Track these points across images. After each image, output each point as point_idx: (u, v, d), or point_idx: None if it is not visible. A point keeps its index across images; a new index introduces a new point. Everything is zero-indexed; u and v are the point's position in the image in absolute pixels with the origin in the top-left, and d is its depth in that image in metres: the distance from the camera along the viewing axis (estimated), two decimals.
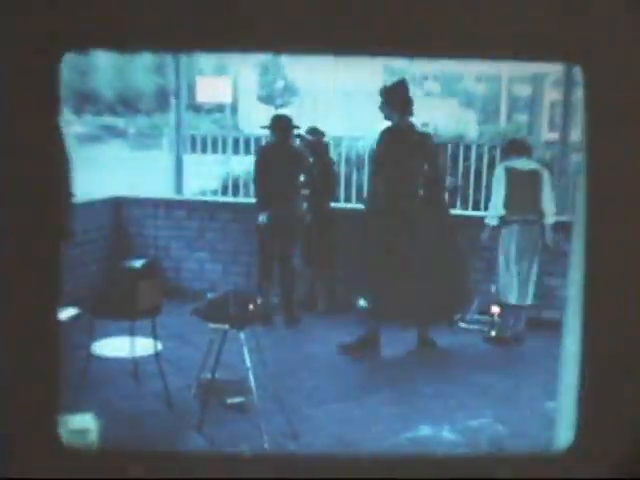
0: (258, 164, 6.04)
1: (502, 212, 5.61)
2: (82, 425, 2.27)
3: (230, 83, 11.34)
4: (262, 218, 5.87)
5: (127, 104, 23.39)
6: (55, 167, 1.22)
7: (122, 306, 4.09)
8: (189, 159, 7.65)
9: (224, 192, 8.33)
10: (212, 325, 3.99)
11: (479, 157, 7.92)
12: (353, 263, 5.68)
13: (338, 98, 18.40)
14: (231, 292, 4.07)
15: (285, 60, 23.01)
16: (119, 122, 22.67)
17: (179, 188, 7.36)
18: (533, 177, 5.61)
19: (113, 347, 4.70)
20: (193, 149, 8.19)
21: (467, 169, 7.94)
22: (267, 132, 6.17)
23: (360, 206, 6.26)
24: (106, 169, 12.07)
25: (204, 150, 8.39)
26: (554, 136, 8.47)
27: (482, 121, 21.08)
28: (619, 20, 1.17)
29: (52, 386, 1.23)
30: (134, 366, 4.55)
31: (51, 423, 1.24)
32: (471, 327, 6.06)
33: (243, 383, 4.04)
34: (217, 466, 1.34)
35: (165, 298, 4.39)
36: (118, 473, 1.26)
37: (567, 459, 1.23)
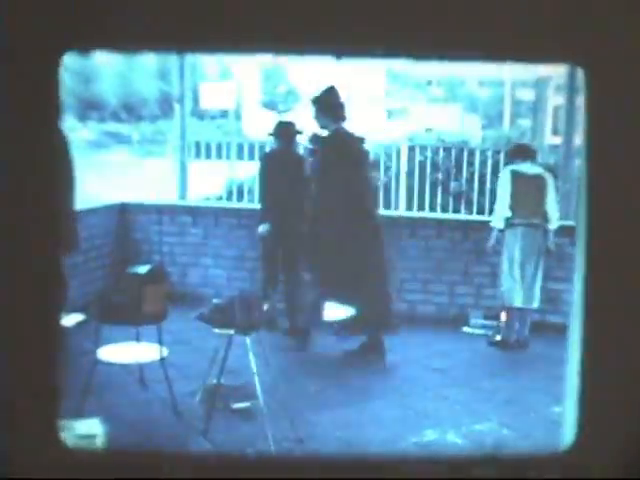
0: (262, 171, 6.03)
1: (508, 214, 5.62)
2: (88, 430, 2.27)
3: (234, 89, 11.34)
4: (262, 229, 5.85)
5: (131, 110, 23.45)
6: (57, 168, 1.22)
7: (128, 312, 4.10)
8: (193, 165, 7.66)
9: (229, 198, 8.32)
10: (218, 330, 3.99)
11: (483, 162, 7.92)
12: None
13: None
14: (236, 297, 4.06)
15: (288, 65, 23.04)
16: (123, 129, 22.71)
17: (184, 194, 7.37)
18: (538, 181, 5.63)
19: (119, 353, 4.70)
20: (197, 155, 8.19)
21: (472, 174, 7.95)
22: (271, 138, 6.17)
23: None
24: (111, 175, 12.09)
25: (208, 156, 8.39)
26: (557, 140, 8.46)
27: (486, 126, 21.08)
28: (619, 20, 1.17)
29: (53, 390, 1.24)
30: (140, 372, 4.56)
31: (53, 426, 1.25)
32: (476, 332, 6.05)
33: (249, 388, 4.05)
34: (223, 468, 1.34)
35: (170, 304, 4.39)
36: (118, 474, 1.26)
37: (569, 459, 1.23)
